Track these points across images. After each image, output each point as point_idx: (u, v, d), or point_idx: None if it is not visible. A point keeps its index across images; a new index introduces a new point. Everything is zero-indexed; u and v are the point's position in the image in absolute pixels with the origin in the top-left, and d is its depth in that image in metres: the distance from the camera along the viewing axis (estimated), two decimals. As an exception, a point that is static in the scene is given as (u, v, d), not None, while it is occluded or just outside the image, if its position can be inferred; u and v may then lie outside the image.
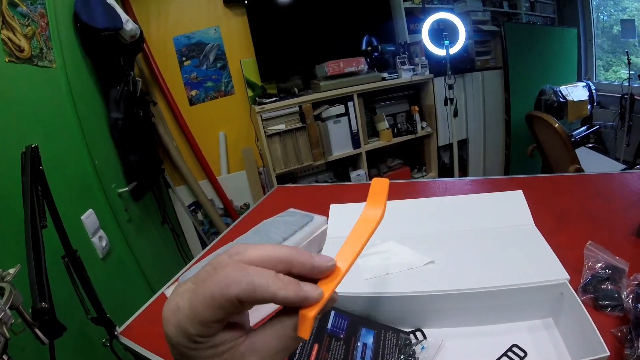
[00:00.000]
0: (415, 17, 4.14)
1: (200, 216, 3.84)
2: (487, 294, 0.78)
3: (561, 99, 4.13)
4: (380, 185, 0.45)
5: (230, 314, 0.35)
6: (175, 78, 3.63)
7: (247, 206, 3.97)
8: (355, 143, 3.73)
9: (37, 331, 0.86)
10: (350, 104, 3.60)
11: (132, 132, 2.58)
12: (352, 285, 0.87)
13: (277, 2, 3.62)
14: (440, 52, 3.70)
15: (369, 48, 3.89)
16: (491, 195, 1.15)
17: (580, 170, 2.65)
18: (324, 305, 0.37)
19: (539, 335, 0.78)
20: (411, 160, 4.39)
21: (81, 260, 1.16)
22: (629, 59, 4.05)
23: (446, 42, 3.58)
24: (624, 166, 3.43)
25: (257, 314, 0.98)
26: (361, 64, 3.57)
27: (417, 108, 3.96)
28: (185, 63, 3.65)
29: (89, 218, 1.90)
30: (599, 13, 4.93)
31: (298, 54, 3.75)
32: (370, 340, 0.77)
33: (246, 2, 3.49)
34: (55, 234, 1.12)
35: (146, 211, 2.85)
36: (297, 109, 3.42)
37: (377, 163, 4.19)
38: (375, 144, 3.87)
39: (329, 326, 0.77)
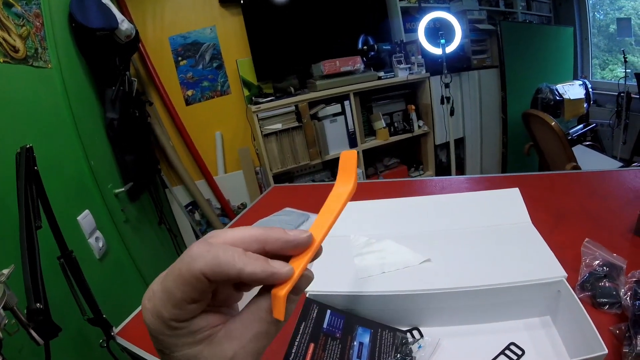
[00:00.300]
0: (411, 16, 4.14)
1: (197, 216, 3.83)
2: (484, 292, 0.78)
3: (558, 98, 4.13)
4: (348, 157, 0.44)
5: (201, 293, 0.34)
6: (171, 78, 3.62)
7: (244, 206, 3.96)
8: (352, 142, 3.73)
9: (32, 332, 0.85)
10: (346, 103, 3.60)
11: (128, 132, 2.57)
12: (348, 284, 0.86)
13: (273, 2, 3.62)
14: (436, 51, 3.70)
15: (365, 47, 3.88)
16: (487, 193, 1.15)
17: (577, 168, 2.65)
18: (296, 283, 0.36)
19: (536, 334, 0.77)
20: (408, 159, 4.39)
21: (77, 261, 1.15)
22: (625, 58, 4.06)
23: (442, 41, 3.58)
24: (621, 164, 3.43)
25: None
26: (357, 63, 3.57)
27: (413, 107, 3.96)
28: (181, 63, 3.64)
29: (85, 219, 1.90)
30: (595, 12, 4.94)
31: (294, 53, 3.74)
32: (366, 339, 0.76)
33: (242, 1, 3.48)
34: (52, 234, 1.11)
35: (143, 211, 2.84)
36: (293, 108, 3.42)
37: (374, 162, 4.19)
38: (372, 143, 3.86)
39: (324, 325, 0.76)
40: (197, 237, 3.81)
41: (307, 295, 0.83)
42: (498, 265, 0.86)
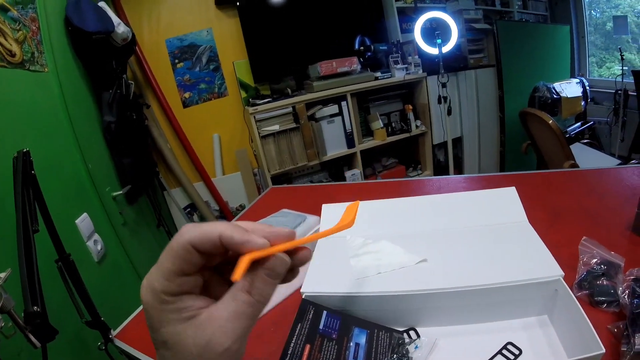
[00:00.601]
0: (407, 16, 4.14)
1: (196, 218, 3.83)
2: (480, 292, 0.77)
3: (555, 96, 4.14)
4: (353, 206, 0.49)
5: (189, 264, 0.37)
6: (168, 80, 3.62)
7: (242, 207, 3.96)
8: (350, 143, 3.73)
9: (29, 335, 0.85)
10: (343, 103, 3.60)
11: (126, 135, 2.57)
12: (344, 285, 0.86)
13: (269, 3, 3.62)
14: (433, 50, 3.70)
15: (362, 48, 3.89)
16: (484, 192, 1.15)
17: (575, 166, 2.65)
18: (272, 265, 0.39)
19: (533, 333, 0.77)
20: (406, 159, 4.38)
21: (74, 264, 1.15)
22: (622, 55, 4.07)
23: (439, 41, 3.59)
24: (619, 161, 3.43)
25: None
26: (354, 63, 3.57)
27: (410, 107, 3.96)
28: (178, 65, 3.64)
29: (83, 222, 1.90)
30: (591, 10, 4.95)
31: (291, 55, 3.75)
32: (362, 340, 0.76)
33: (238, 3, 3.48)
34: (50, 238, 1.11)
35: (141, 214, 2.84)
36: (290, 109, 3.42)
37: (372, 162, 4.19)
38: (369, 143, 3.87)
39: (320, 326, 0.76)
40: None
41: (303, 297, 0.83)
42: (495, 264, 0.85)
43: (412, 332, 0.81)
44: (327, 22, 3.82)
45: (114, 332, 1.12)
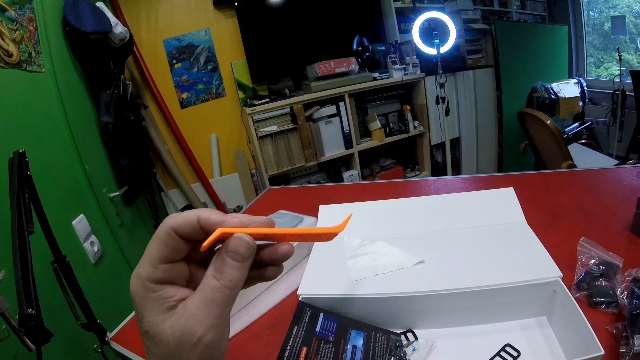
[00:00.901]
0: (405, 16, 4.15)
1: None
2: (478, 293, 0.77)
3: (553, 96, 4.15)
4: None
5: (173, 250, 0.39)
6: (166, 81, 3.62)
7: (240, 208, 3.96)
8: (348, 143, 3.73)
9: (24, 337, 0.85)
10: (341, 104, 3.60)
11: (123, 136, 2.56)
12: (341, 287, 0.85)
13: (267, 3, 3.62)
14: (431, 51, 3.70)
15: (360, 48, 3.89)
16: (482, 192, 1.14)
17: (573, 166, 2.65)
18: (236, 247, 0.39)
19: (532, 334, 0.77)
20: (404, 159, 4.39)
21: (70, 265, 1.14)
22: (620, 56, 4.07)
23: (437, 41, 3.59)
24: (617, 161, 3.43)
25: (241, 323, 0.97)
26: (352, 64, 3.57)
27: (408, 107, 3.97)
28: (176, 66, 3.64)
29: (80, 223, 1.89)
30: (589, 10, 4.96)
31: (289, 55, 3.75)
32: (360, 342, 0.75)
33: (236, 3, 3.48)
34: (46, 239, 1.11)
35: (139, 215, 2.83)
36: (288, 110, 3.42)
37: (370, 163, 4.20)
38: (367, 144, 3.87)
39: (317, 329, 0.75)
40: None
41: (300, 299, 0.82)
42: (493, 265, 0.85)
43: (409, 334, 0.81)
44: (325, 23, 3.83)
45: (110, 335, 1.11)
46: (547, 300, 0.77)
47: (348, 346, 0.74)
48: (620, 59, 4.07)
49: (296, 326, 0.75)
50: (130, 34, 2.77)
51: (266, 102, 3.42)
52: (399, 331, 0.82)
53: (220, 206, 3.86)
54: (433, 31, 3.63)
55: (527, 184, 1.52)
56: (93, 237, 1.97)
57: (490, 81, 4.44)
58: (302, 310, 0.78)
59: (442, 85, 3.67)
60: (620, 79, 4.08)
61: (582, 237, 0.93)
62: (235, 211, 3.91)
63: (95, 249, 1.95)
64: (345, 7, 3.89)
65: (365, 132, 3.99)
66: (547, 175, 1.61)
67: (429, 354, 0.75)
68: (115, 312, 1.34)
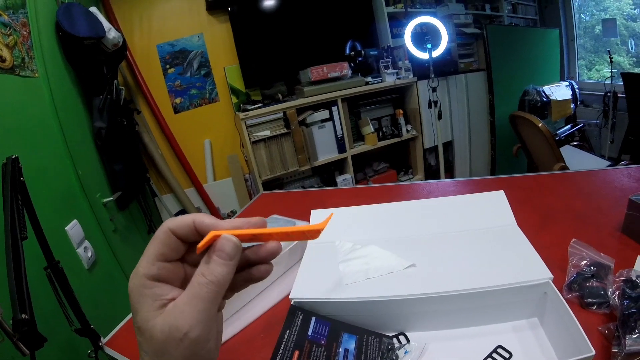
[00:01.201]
0: (398, 21, 4.16)
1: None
2: (469, 296, 0.77)
3: (544, 99, 4.17)
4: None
5: (169, 249, 0.42)
6: (159, 86, 3.61)
7: (233, 213, 3.95)
8: (341, 148, 3.73)
9: (18, 342, 0.85)
10: (334, 108, 3.61)
11: (116, 141, 2.55)
12: (333, 290, 0.85)
13: (260, 9, 3.63)
14: (423, 55, 3.72)
15: (353, 53, 3.90)
16: (472, 196, 1.15)
17: (565, 168, 2.67)
18: (223, 247, 0.41)
19: (524, 336, 0.77)
20: (397, 163, 4.40)
21: (63, 271, 1.14)
22: (611, 58, 4.10)
23: (429, 46, 3.60)
24: (609, 163, 3.45)
25: (234, 327, 0.97)
26: (345, 68, 3.58)
27: (401, 111, 3.98)
28: (169, 71, 3.64)
29: (73, 229, 1.88)
30: (580, 13, 4.99)
31: (282, 60, 3.75)
32: (352, 345, 0.75)
33: (229, 8, 3.48)
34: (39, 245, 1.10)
35: (132, 220, 2.83)
36: (281, 115, 3.42)
37: (364, 167, 4.20)
38: (360, 148, 3.88)
39: (309, 332, 0.75)
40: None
41: (292, 303, 0.82)
42: (484, 268, 0.85)
43: (401, 337, 0.81)
44: (318, 28, 3.84)
45: (104, 340, 1.11)
46: (538, 302, 0.77)
47: (340, 349, 0.74)
48: (611, 61, 4.10)
49: (288, 330, 0.75)
50: (124, 39, 2.77)
51: (259, 107, 3.42)
52: (391, 334, 0.82)
53: (214, 211, 3.86)
54: (425, 36, 3.65)
55: (519, 187, 1.52)
56: (86, 243, 1.96)
57: (483, 85, 4.46)
58: (294, 314, 0.78)
59: (434, 89, 3.68)
60: (611, 81, 4.10)
61: (574, 239, 0.94)
62: (229, 216, 3.90)
63: (89, 254, 1.94)
64: (337, 12, 3.90)
65: (359, 137, 3.99)
66: (539, 178, 1.61)
67: (421, 357, 0.75)
68: (109, 318, 1.33)
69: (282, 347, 0.71)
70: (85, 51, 2.37)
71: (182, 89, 3.72)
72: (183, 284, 0.43)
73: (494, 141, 4.55)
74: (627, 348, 0.64)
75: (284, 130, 3.44)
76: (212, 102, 3.83)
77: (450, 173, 4.58)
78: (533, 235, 0.94)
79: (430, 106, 3.80)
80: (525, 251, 0.88)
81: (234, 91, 3.80)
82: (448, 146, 4.50)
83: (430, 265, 0.91)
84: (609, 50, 4.28)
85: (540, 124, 2.76)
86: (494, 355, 0.72)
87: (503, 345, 0.74)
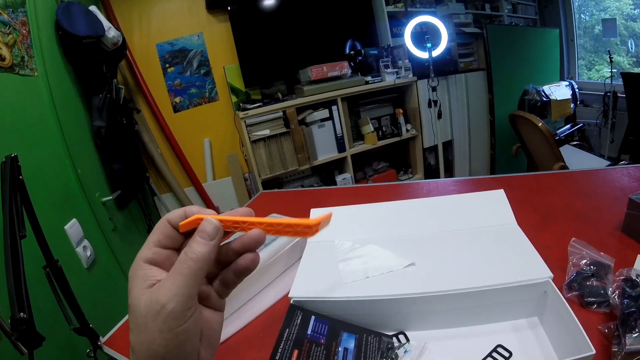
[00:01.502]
0: (398, 20, 4.16)
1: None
2: (469, 295, 0.77)
3: (544, 99, 4.16)
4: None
5: (166, 237, 0.45)
6: (159, 85, 3.61)
7: (233, 213, 3.94)
8: (340, 147, 3.73)
9: (16, 341, 0.85)
10: (334, 108, 3.60)
11: (116, 140, 2.55)
12: (333, 289, 0.85)
13: (260, 8, 3.62)
14: (423, 55, 3.72)
15: (352, 52, 3.90)
16: (472, 195, 1.15)
17: (564, 167, 2.66)
18: (204, 228, 0.44)
19: (524, 335, 0.77)
20: (397, 162, 4.39)
21: (62, 270, 1.14)
22: (610, 58, 4.09)
23: (429, 45, 3.60)
24: (608, 162, 3.45)
25: (233, 326, 0.97)
26: (344, 68, 3.58)
27: (401, 111, 3.98)
28: (169, 70, 3.63)
29: (72, 228, 1.88)
30: (580, 13, 4.98)
31: (281, 59, 3.75)
32: (351, 344, 0.75)
33: (229, 7, 3.48)
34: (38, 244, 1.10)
35: (131, 220, 2.82)
36: (281, 114, 3.42)
37: (363, 166, 4.20)
38: (360, 147, 3.87)
39: (309, 331, 0.75)
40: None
41: (291, 302, 0.82)
42: (484, 267, 0.85)
43: (401, 336, 0.81)
44: (318, 27, 3.83)
45: (102, 339, 1.11)
46: (538, 301, 0.77)
47: (339, 349, 0.74)
48: (611, 61, 4.10)
49: (287, 329, 0.75)
50: (123, 38, 2.76)
51: (259, 106, 3.41)
52: (390, 333, 0.82)
53: (214, 210, 3.84)
54: (425, 35, 3.65)
55: (519, 186, 1.52)
56: (86, 242, 1.95)
57: (482, 84, 4.46)
58: (293, 313, 0.78)
59: (434, 89, 3.68)
60: (611, 80, 4.10)
61: (573, 238, 0.93)
62: (228, 215, 3.90)
63: (88, 253, 1.94)
64: (337, 11, 3.89)
65: (358, 136, 3.99)
66: (538, 177, 1.61)
67: (420, 356, 0.75)
68: (108, 317, 1.33)
69: (281, 346, 0.71)
70: (85, 50, 2.37)
71: (182, 88, 3.71)
72: None
73: (494, 141, 4.55)
74: (627, 347, 0.64)
75: (284, 130, 3.43)
76: (211, 101, 3.82)
77: (449, 172, 4.58)
78: (533, 235, 0.94)
79: (430, 105, 3.80)
80: (525, 250, 0.88)
81: (233, 90, 3.79)
82: (448, 146, 4.50)
83: (430, 264, 0.91)
84: (608, 50, 4.28)
85: (540, 124, 2.76)
86: (494, 354, 0.72)
87: (503, 345, 0.74)
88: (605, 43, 4.74)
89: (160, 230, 0.45)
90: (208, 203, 3.83)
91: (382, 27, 4.13)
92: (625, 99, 3.83)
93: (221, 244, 0.46)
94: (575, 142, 4.14)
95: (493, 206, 1.08)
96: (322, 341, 0.74)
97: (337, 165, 3.96)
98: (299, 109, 3.50)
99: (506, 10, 4.81)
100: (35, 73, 1.92)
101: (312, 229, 0.44)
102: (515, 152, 3.53)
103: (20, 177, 1.02)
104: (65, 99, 2.19)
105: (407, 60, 3.94)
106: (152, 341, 0.39)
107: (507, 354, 0.72)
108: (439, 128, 3.84)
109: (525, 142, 3.26)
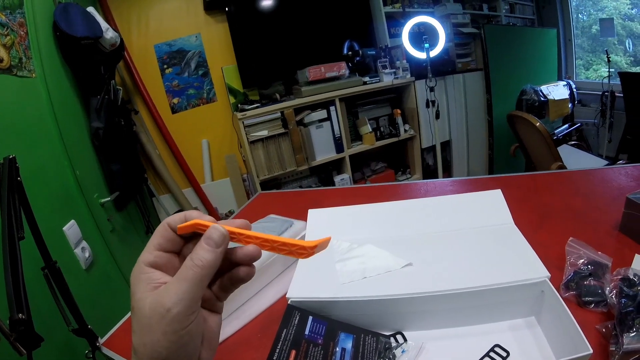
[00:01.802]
0: (395, 21, 4.16)
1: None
2: (467, 295, 0.77)
3: (542, 98, 4.16)
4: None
5: (166, 240, 0.46)
6: (157, 86, 3.61)
7: (231, 213, 3.95)
8: (339, 147, 3.73)
9: (15, 342, 0.85)
10: (332, 108, 3.61)
11: (114, 141, 2.55)
12: (330, 290, 0.85)
13: (258, 8, 3.62)
14: (421, 55, 3.71)
15: (350, 53, 3.90)
16: (470, 195, 1.15)
17: (562, 167, 2.67)
18: (208, 234, 0.44)
19: (521, 334, 0.77)
20: (395, 162, 4.40)
21: (61, 271, 1.14)
22: (608, 57, 4.10)
23: (426, 45, 3.59)
24: (606, 162, 3.45)
25: (231, 327, 0.97)
26: (342, 68, 3.58)
27: (399, 111, 3.98)
28: (167, 71, 3.63)
29: (71, 229, 1.88)
30: (578, 13, 4.99)
31: (279, 60, 3.75)
32: (349, 344, 0.75)
33: (227, 8, 3.48)
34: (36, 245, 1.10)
35: (130, 221, 2.82)
36: (279, 114, 3.42)
37: (361, 167, 4.20)
38: (358, 147, 3.88)
39: (306, 332, 0.75)
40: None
41: (289, 302, 0.82)
42: (481, 267, 0.85)
43: (398, 336, 0.81)
44: (316, 28, 3.83)
45: (101, 340, 1.11)
46: (535, 301, 0.77)
47: (337, 349, 0.74)
48: (608, 60, 4.10)
49: (285, 329, 0.75)
50: (121, 39, 2.77)
51: (257, 107, 3.41)
52: (388, 333, 0.82)
53: (212, 211, 3.85)
54: (423, 35, 3.64)
55: (517, 186, 1.52)
56: (84, 243, 1.95)
57: (480, 84, 4.46)
58: (290, 314, 0.78)
59: (432, 89, 3.67)
60: (609, 80, 4.11)
61: (571, 237, 0.94)
62: (227, 216, 3.90)
63: (87, 254, 1.94)
64: (335, 12, 3.90)
65: (356, 136, 3.99)
66: (536, 177, 1.61)
67: (418, 356, 0.75)
68: (107, 318, 1.33)
69: (279, 347, 0.71)
70: (83, 51, 2.37)
71: (180, 89, 3.71)
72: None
73: (492, 141, 4.55)
74: (624, 346, 0.64)
75: (282, 130, 3.43)
76: (209, 102, 3.83)
77: (447, 172, 4.58)
78: (530, 234, 0.94)
79: (427, 106, 3.79)
80: (523, 250, 0.88)
81: (231, 91, 3.79)
82: (446, 146, 4.50)
83: (428, 264, 0.91)
84: (606, 50, 4.28)
85: (537, 124, 2.77)
86: (491, 354, 0.72)
87: (500, 344, 0.74)
88: (602, 43, 4.75)
89: (160, 234, 0.46)
90: (206, 204, 3.84)
91: (379, 28, 4.14)
92: (622, 98, 3.83)
93: None
94: (573, 142, 4.15)
95: (490, 206, 1.08)
96: (320, 341, 0.74)
97: (335, 166, 3.96)
98: (297, 109, 3.50)
99: (504, 11, 4.82)
100: (33, 74, 1.92)
101: (307, 251, 0.44)
102: (513, 152, 3.53)
103: (19, 178, 1.02)
104: (63, 100, 2.19)
105: (404, 61, 3.94)
106: (155, 343, 0.40)
107: (504, 354, 0.72)
108: (437, 128, 3.84)
109: (523, 142, 3.26)
